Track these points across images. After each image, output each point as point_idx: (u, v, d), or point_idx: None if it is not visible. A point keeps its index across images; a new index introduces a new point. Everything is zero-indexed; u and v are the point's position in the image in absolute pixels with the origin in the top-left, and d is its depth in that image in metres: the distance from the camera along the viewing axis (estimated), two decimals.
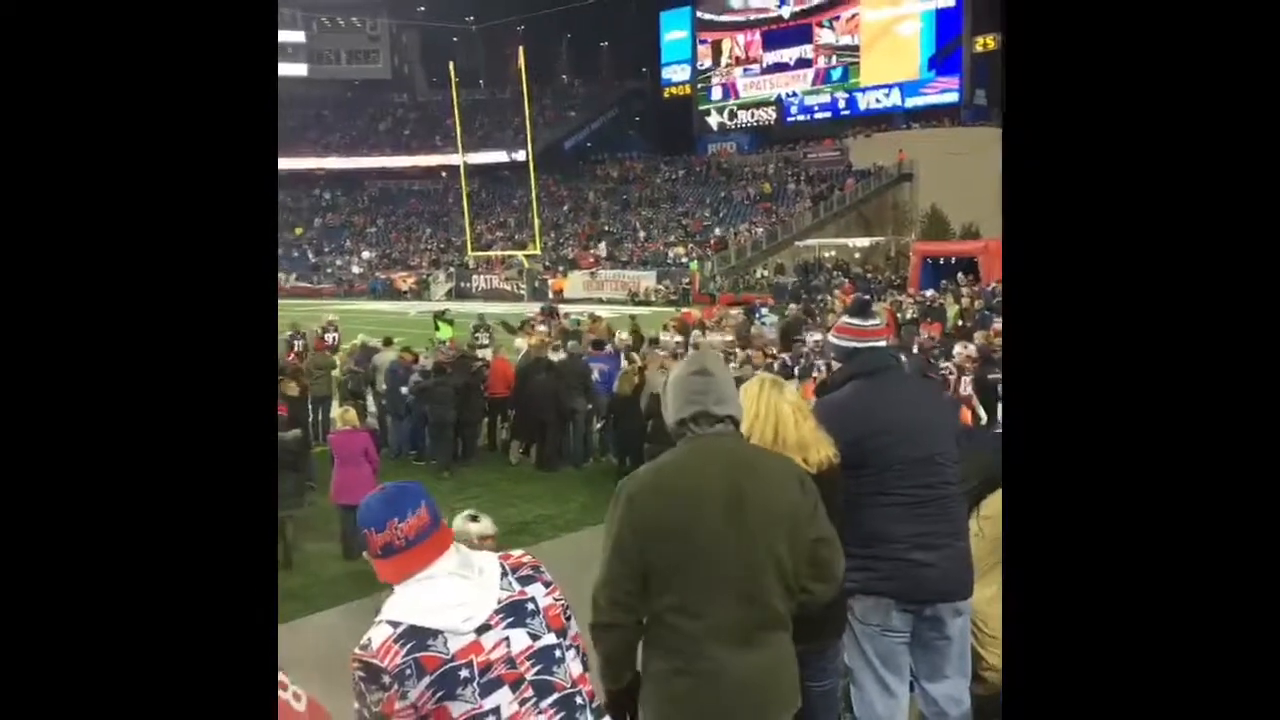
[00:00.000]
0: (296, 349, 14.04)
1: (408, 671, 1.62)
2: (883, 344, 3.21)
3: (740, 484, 2.20)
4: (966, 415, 5.36)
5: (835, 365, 3.36)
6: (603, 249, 41.70)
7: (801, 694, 2.83)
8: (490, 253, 42.43)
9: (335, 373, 11.91)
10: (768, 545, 2.18)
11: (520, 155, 45.92)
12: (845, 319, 3.27)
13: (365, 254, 48.07)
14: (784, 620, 2.25)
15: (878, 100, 47.90)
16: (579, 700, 1.72)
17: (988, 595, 3.60)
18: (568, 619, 1.78)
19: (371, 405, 11.18)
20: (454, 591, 1.65)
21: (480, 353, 12.69)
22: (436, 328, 17.03)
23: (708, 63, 53.22)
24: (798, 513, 2.23)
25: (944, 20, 45.63)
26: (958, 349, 8.19)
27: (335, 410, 9.11)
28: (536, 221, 38.31)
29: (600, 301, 32.91)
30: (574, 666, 1.74)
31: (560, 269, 40.09)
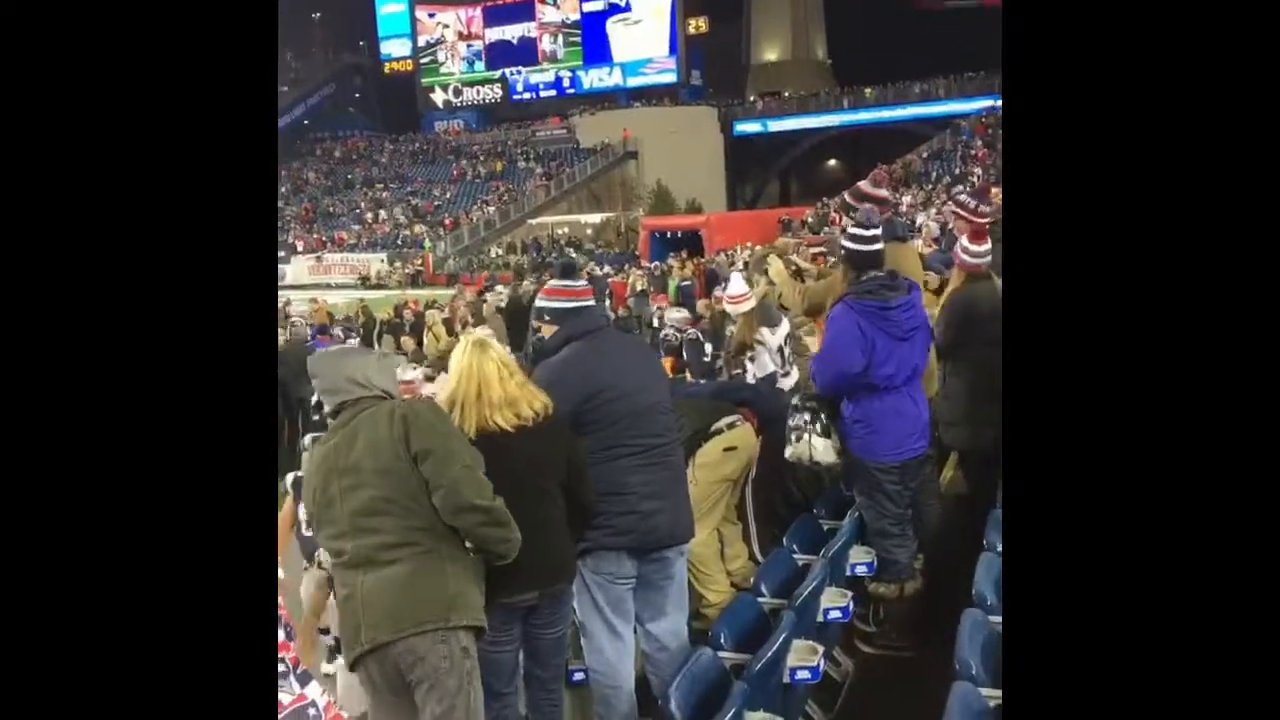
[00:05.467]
0: None
1: None
2: (591, 303, 3.34)
3: (344, 441, 2.56)
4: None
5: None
6: (355, 233, 39.72)
7: (533, 641, 2.94)
8: None
9: None
10: (360, 483, 2.51)
11: None
12: (552, 281, 3.39)
13: None
14: (416, 538, 2.51)
15: (600, 79, 48.95)
16: (280, 668, 1.72)
17: (701, 539, 3.88)
18: None
19: None
20: None
21: None
22: None
23: (431, 37, 51.96)
24: (389, 447, 2.51)
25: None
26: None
27: None
28: None
29: (329, 287, 31.44)
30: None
31: (281, 254, 37.80)
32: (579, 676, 3.21)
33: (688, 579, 3.49)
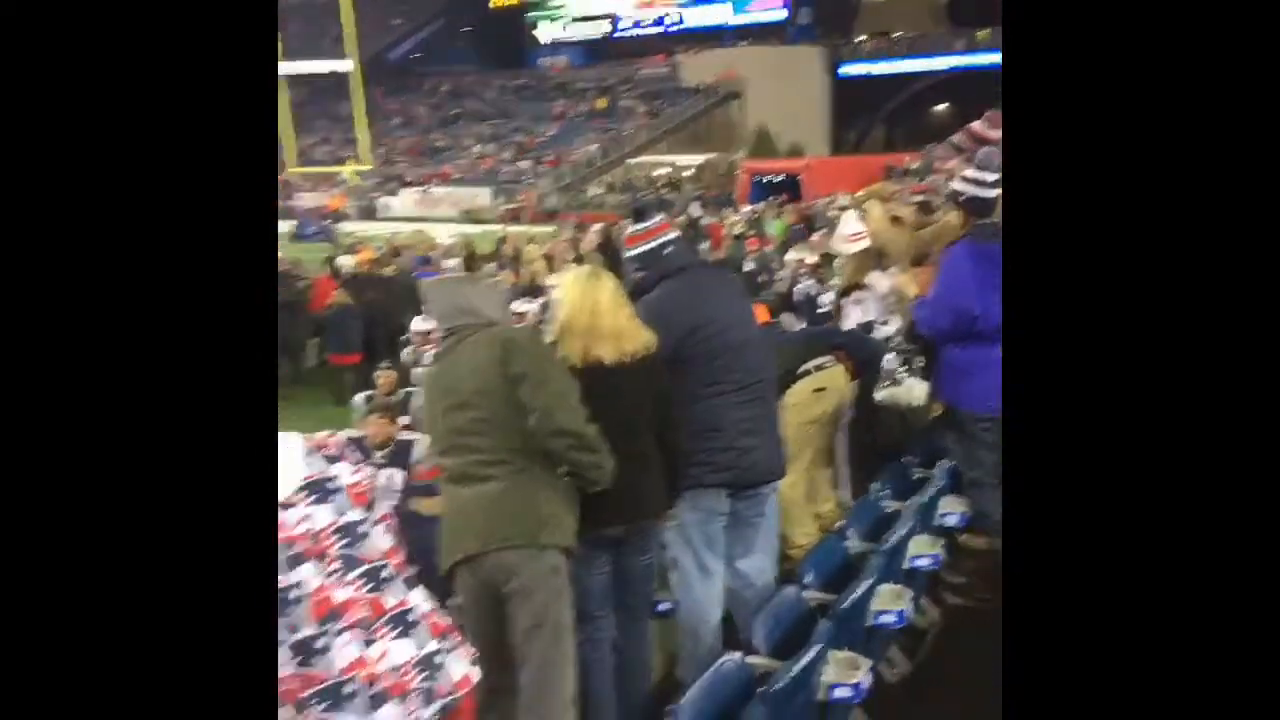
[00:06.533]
0: None
1: None
2: (672, 237, 3.28)
3: (450, 364, 2.69)
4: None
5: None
6: (460, 167, 40.24)
7: (621, 570, 3.01)
8: (312, 169, 40.22)
9: None
10: (461, 403, 2.62)
11: (342, 65, 43.14)
12: (630, 230, 3.33)
13: None
14: (510, 458, 2.61)
15: (707, 16, 47.95)
16: (385, 573, 1.81)
17: (790, 481, 3.90)
18: (374, 497, 1.85)
19: None
20: None
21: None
22: None
23: None
24: (489, 369, 2.61)
25: None
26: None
27: None
28: (364, 135, 36.47)
29: (433, 220, 31.99)
30: (381, 541, 1.83)
31: (390, 185, 38.65)
32: (664, 607, 3.29)
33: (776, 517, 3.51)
